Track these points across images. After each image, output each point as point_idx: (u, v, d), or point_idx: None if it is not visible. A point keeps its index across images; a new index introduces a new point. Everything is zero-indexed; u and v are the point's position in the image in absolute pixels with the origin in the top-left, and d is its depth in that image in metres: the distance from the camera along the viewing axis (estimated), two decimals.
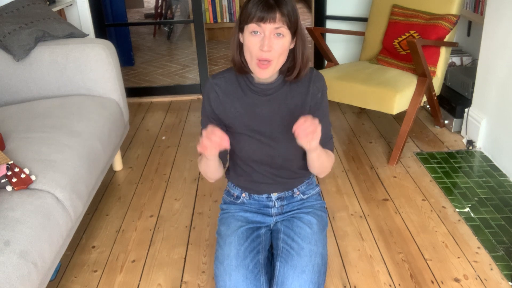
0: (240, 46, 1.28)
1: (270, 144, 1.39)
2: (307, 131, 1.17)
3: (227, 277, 1.32)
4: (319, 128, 1.19)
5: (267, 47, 1.19)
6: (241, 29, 1.25)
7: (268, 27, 1.19)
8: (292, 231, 1.43)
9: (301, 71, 1.31)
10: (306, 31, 1.33)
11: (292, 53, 1.29)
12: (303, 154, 1.44)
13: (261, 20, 1.18)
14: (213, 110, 1.39)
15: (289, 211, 1.52)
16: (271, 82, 1.34)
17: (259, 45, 1.20)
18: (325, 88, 1.39)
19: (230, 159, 1.53)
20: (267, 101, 1.36)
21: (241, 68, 1.32)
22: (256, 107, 1.36)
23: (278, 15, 1.18)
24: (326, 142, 1.41)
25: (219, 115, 1.39)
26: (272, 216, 1.52)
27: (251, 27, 1.20)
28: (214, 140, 1.20)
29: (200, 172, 2.52)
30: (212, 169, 1.40)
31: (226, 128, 1.41)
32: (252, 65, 1.25)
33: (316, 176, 2.39)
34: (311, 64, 3.62)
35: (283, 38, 1.21)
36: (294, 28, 1.23)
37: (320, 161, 1.37)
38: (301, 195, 1.53)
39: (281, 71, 1.33)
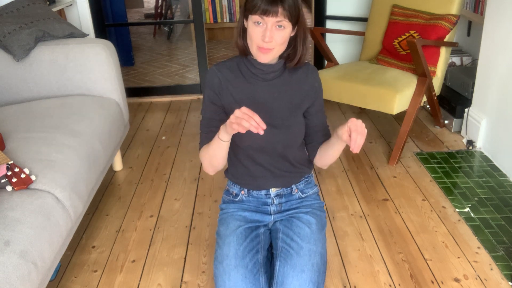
0: (243, 30, 1.34)
1: (270, 131, 1.39)
2: (359, 131, 1.22)
3: (226, 277, 1.32)
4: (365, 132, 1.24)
5: (268, 38, 1.25)
6: (245, 16, 1.31)
7: (270, 20, 1.24)
8: (291, 230, 1.43)
9: (301, 57, 1.37)
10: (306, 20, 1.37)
11: (293, 41, 1.35)
12: (302, 144, 1.51)
13: (264, 13, 1.23)
14: (216, 95, 1.40)
15: (288, 210, 1.52)
16: (272, 64, 1.38)
17: (261, 35, 1.26)
18: (320, 81, 1.48)
19: (229, 156, 1.53)
20: (267, 86, 1.40)
21: (244, 51, 1.37)
22: (256, 92, 1.39)
23: (280, 9, 1.23)
24: (328, 132, 1.50)
25: (221, 99, 1.41)
26: (270, 214, 1.52)
27: (254, 18, 1.26)
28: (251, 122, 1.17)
29: (200, 172, 2.53)
30: (223, 153, 1.37)
31: (227, 116, 1.42)
32: (253, 50, 1.31)
33: (316, 176, 2.41)
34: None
35: (284, 30, 1.27)
36: (295, 20, 1.28)
37: (338, 153, 1.43)
38: (300, 193, 1.53)
39: (282, 56, 1.38)
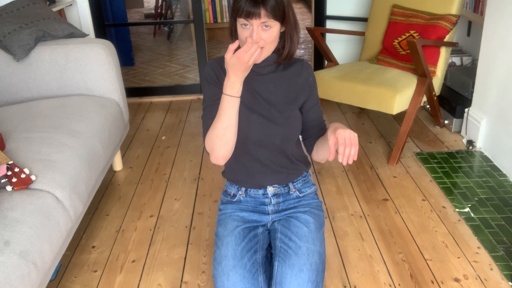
0: (235, 31, 1.35)
1: (267, 124, 1.42)
2: (347, 144, 1.21)
3: (225, 277, 1.32)
4: (356, 141, 1.23)
5: (255, 39, 1.26)
6: (234, 18, 1.32)
7: (255, 22, 1.26)
8: (289, 230, 1.43)
9: (289, 53, 1.38)
10: (296, 15, 1.38)
11: (283, 35, 1.36)
12: (299, 141, 1.52)
13: (248, 16, 1.25)
14: (218, 81, 1.41)
15: (286, 209, 1.52)
16: (265, 58, 1.37)
17: (248, 36, 1.27)
18: (314, 75, 1.49)
19: None
20: (263, 80, 1.42)
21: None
22: (253, 86, 1.41)
23: (262, 11, 1.24)
24: (324, 126, 1.52)
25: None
26: (268, 214, 1.52)
27: (240, 20, 1.27)
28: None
29: (200, 172, 2.53)
30: (234, 117, 1.30)
31: None
32: None
33: (316, 176, 2.41)
34: (311, 64, 3.63)
35: (271, 29, 1.28)
36: (281, 18, 1.29)
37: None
38: (297, 193, 1.54)
39: (274, 50, 1.38)
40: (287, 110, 1.42)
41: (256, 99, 1.41)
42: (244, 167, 1.49)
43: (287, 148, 1.47)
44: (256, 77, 1.41)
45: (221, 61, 1.43)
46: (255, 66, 1.39)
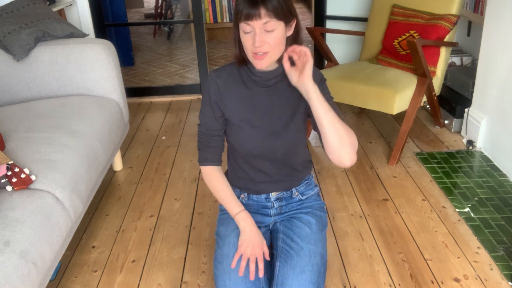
0: (240, 41, 1.29)
1: (270, 137, 1.38)
2: (296, 51, 1.23)
3: (226, 277, 1.32)
4: (308, 53, 1.23)
5: (258, 43, 1.20)
6: (237, 26, 1.26)
7: (256, 24, 1.19)
8: (292, 231, 1.43)
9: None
10: (297, 17, 1.32)
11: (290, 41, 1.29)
12: (304, 147, 1.47)
13: (248, 18, 1.19)
14: (215, 102, 1.38)
15: (288, 212, 1.51)
16: (272, 70, 1.34)
17: (251, 41, 1.22)
18: (324, 78, 1.38)
19: (229, 160, 1.53)
20: (267, 92, 1.36)
21: (242, 61, 1.34)
22: (256, 98, 1.36)
23: (263, 11, 1.18)
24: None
25: (220, 107, 1.38)
26: (271, 216, 1.52)
27: (242, 26, 1.22)
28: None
29: (200, 172, 2.52)
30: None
31: (226, 122, 1.41)
32: (250, 58, 1.27)
33: (316, 176, 2.41)
34: None
35: (275, 31, 1.21)
36: (286, 18, 1.22)
37: (330, 118, 1.23)
38: (300, 196, 1.52)
39: (279, 60, 1.31)
40: (290, 122, 1.37)
41: (259, 112, 1.37)
42: (247, 176, 1.47)
43: (291, 158, 1.44)
44: (261, 88, 1.36)
45: (221, 74, 1.38)
46: (261, 78, 1.34)
